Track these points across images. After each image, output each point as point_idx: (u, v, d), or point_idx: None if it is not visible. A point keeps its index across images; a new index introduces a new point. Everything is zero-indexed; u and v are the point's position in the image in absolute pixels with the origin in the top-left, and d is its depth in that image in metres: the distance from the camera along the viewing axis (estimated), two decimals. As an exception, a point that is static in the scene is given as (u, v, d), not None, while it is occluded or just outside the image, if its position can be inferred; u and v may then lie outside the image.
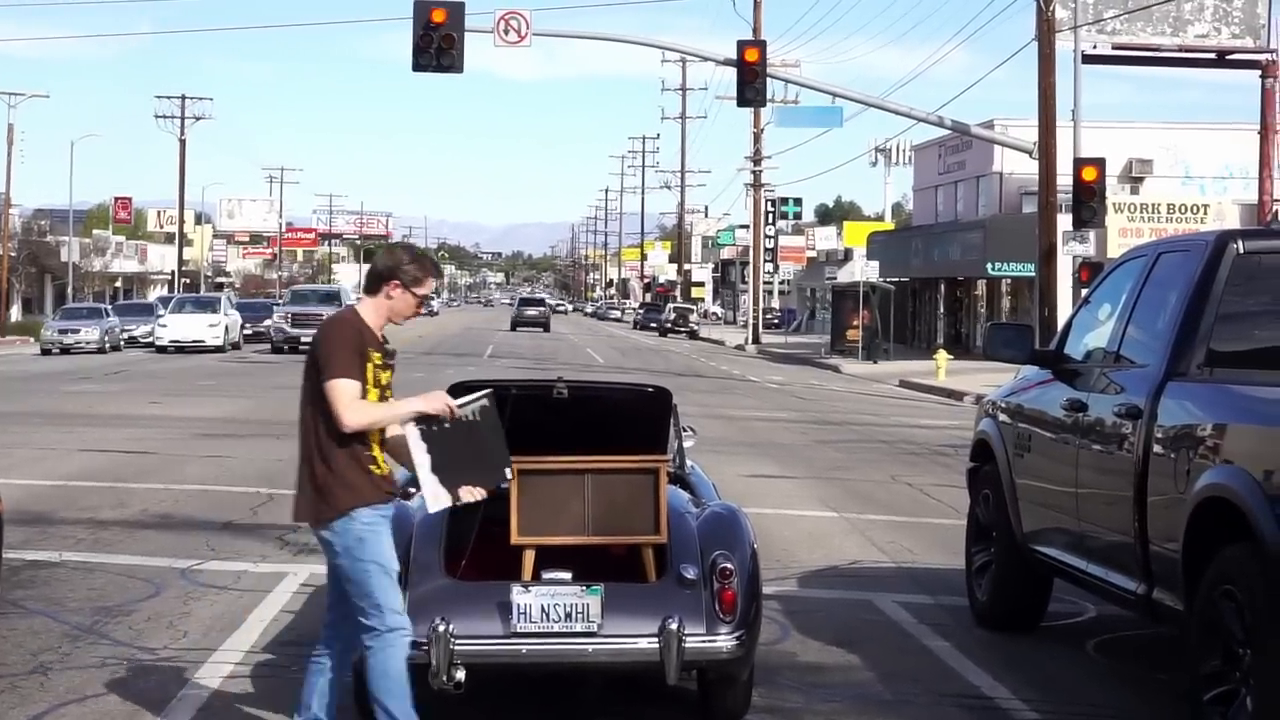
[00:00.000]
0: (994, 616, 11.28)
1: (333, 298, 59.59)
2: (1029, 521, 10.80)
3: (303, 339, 54.41)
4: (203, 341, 58.52)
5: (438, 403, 7.40)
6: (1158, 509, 8.63)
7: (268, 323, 61.58)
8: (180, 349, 57.99)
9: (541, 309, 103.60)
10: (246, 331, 63.92)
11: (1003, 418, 11.47)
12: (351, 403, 7.29)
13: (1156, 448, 8.69)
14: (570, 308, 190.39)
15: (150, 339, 60.96)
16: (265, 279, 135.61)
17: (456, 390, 8.95)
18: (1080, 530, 9.90)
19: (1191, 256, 9.29)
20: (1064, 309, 34.93)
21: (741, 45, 35.80)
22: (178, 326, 59.43)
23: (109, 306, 68.22)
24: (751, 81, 34.89)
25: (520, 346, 66.36)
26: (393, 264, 7.52)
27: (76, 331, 57.84)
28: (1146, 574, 8.84)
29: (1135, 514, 8.86)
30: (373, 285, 7.54)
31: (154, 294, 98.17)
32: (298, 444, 7.56)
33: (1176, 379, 8.79)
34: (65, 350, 56.45)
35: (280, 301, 67.31)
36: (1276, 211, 39.03)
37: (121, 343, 60.87)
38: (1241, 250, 9.05)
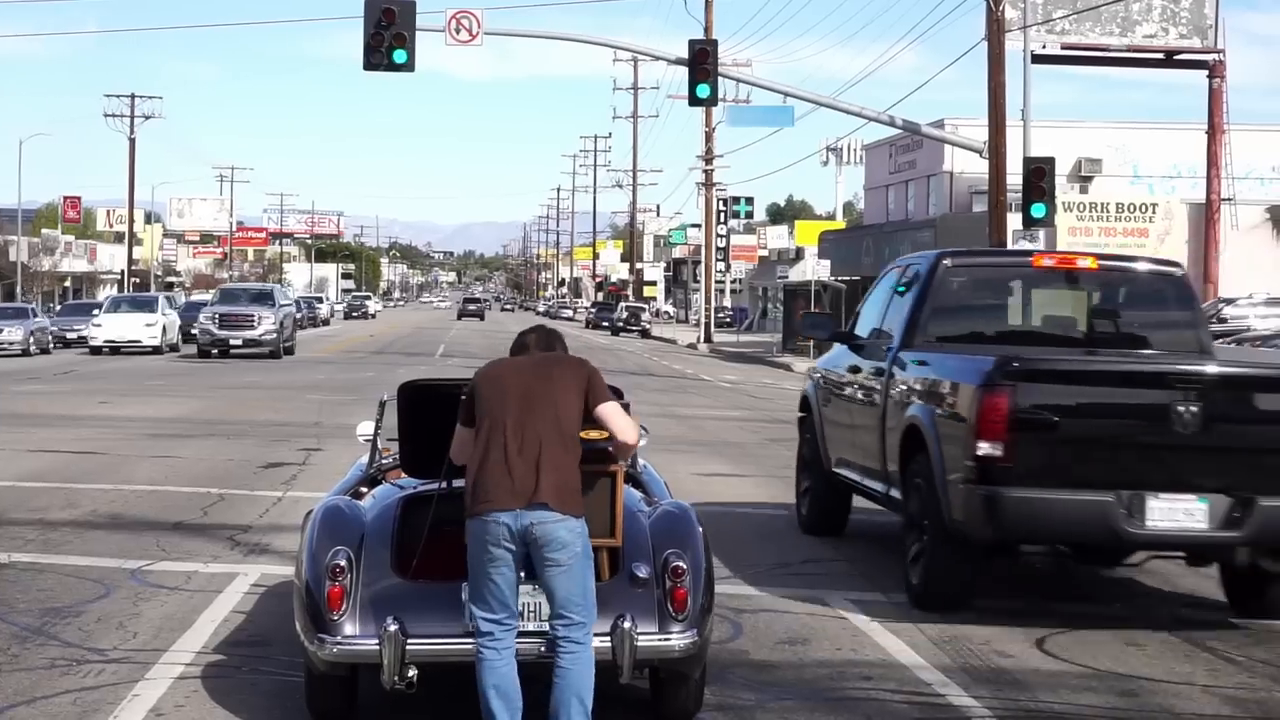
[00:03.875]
0: (811, 524, 15.39)
1: (265, 298, 55.70)
2: (832, 453, 14.83)
3: (232, 341, 51.99)
4: (139, 342, 55.79)
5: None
6: (891, 436, 12.82)
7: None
8: (115, 350, 55.44)
9: (479, 304, 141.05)
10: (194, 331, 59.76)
11: (817, 379, 15.80)
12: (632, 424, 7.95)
13: (891, 394, 12.99)
14: (515, 306, 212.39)
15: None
16: (216, 279, 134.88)
17: (406, 390, 8.95)
18: (858, 456, 13.99)
19: (922, 267, 13.55)
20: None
21: (693, 45, 35.83)
22: (113, 326, 56.26)
23: (36, 306, 64.38)
24: (703, 81, 34.92)
25: (472, 345, 66.21)
26: None
27: None
28: (887, 480, 13.03)
29: (880, 440, 13.13)
30: None
31: (103, 294, 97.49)
32: (525, 439, 7.56)
33: (904, 349, 13.01)
34: None
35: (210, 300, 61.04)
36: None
37: (51, 344, 57.87)
38: (950, 265, 13.41)
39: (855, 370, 14.23)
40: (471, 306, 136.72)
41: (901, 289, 13.81)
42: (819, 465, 15.08)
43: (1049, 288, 13.87)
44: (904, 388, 12.70)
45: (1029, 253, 14.95)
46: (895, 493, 12.75)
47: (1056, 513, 10.97)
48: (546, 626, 7.76)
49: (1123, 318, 13.69)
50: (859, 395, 14.03)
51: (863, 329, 14.62)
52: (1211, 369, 11.44)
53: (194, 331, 54.69)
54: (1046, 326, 13.66)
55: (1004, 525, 11.08)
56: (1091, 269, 13.67)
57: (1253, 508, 10.85)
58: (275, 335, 52.26)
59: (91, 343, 56.27)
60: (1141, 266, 14.49)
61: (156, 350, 55.67)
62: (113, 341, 55.67)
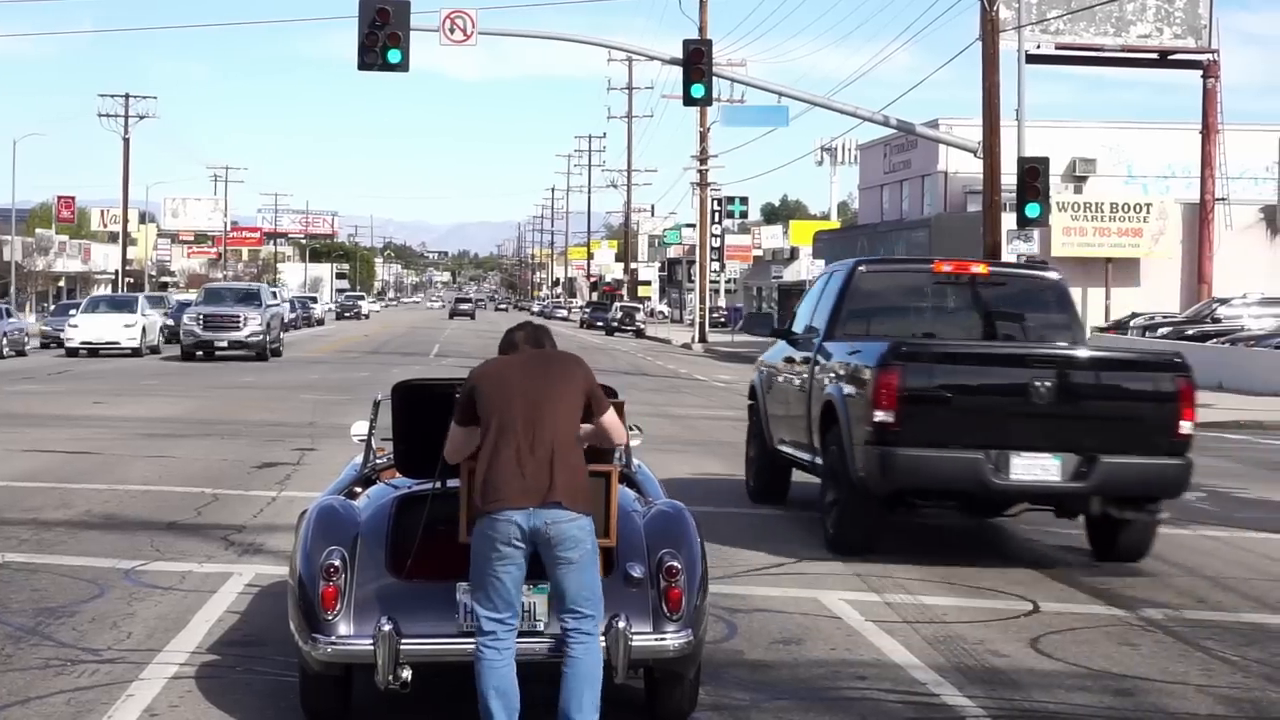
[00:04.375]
0: (757, 493, 17.93)
1: (251, 297, 53.60)
2: (774, 433, 17.28)
3: (217, 343, 50.13)
4: (117, 343, 53.36)
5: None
6: (814, 411, 15.30)
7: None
8: (93, 352, 53.07)
9: (470, 304, 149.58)
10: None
11: (762, 368, 18.39)
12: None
13: (815, 379, 15.52)
14: (509, 306, 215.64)
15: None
16: (211, 279, 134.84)
17: (400, 390, 8.94)
18: (793, 433, 16.43)
19: (843, 273, 16.23)
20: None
21: (688, 44, 35.83)
22: (89, 327, 53.61)
23: (10, 306, 60.76)
24: (698, 80, 34.92)
25: (467, 345, 66.20)
26: None
27: None
28: (812, 451, 15.46)
29: (807, 417, 15.58)
30: None
31: (97, 294, 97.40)
32: (536, 438, 7.59)
33: (827, 341, 15.61)
34: None
35: (194, 300, 58.79)
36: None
37: (26, 346, 55.18)
38: (864, 271, 16.19)
39: (790, 361, 16.95)
40: (463, 306, 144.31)
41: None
42: (764, 444, 17.65)
43: (948, 290, 16.28)
44: (824, 372, 15.25)
45: (931, 260, 16.90)
46: (818, 460, 15.22)
47: (937, 468, 13.39)
48: (541, 625, 7.76)
49: (1008, 315, 16.09)
50: (793, 381, 16.61)
51: (798, 326, 17.21)
52: (1060, 353, 14.03)
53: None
54: (944, 321, 16.04)
55: (895, 479, 13.53)
56: (983, 275, 16.33)
57: (1096, 463, 13.29)
58: (262, 337, 50.62)
59: (67, 344, 53.87)
60: (1024, 273, 17.54)
61: (136, 353, 53.49)
62: (90, 343, 53.35)
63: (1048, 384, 13.31)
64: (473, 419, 7.79)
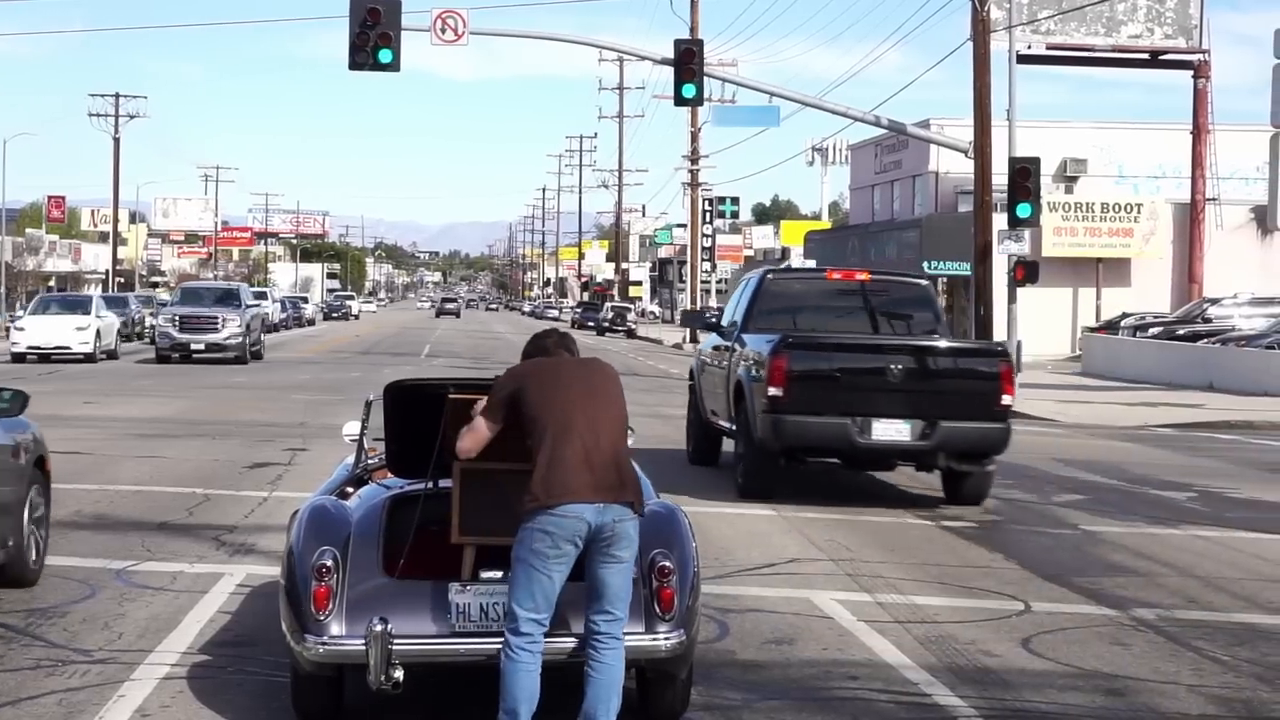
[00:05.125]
0: (694, 456, 21.47)
1: (230, 297, 50.83)
2: (705, 405, 20.84)
3: (193, 345, 47.37)
4: (68, 348, 47.51)
5: None
6: (731, 387, 18.88)
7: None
8: (44, 358, 46.93)
9: (455, 304, 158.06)
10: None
11: (699, 355, 22.48)
12: None
13: (732, 362, 19.06)
14: (500, 306, 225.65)
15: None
16: (201, 279, 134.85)
17: (392, 390, 8.93)
18: (718, 406, 19.90)
19: (756, 278, 20.39)
20: (999, 307, 35.13)
21: (679, 45, 35.82)
22: (37, 331, 48.06)
23: None
24: (689, 81, 34.91)
25: (457, 345, 66.22)
26: None
27: None
28: (730, 419, 19.01)
29: (726, 393, 19.18)
30: None
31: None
32: (601, 437, 7.68)
33: (742, 333, 19.10)
34: None
35: (170, 300, 54.68)
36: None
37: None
38: (772, 277, 20.47)
39: (718, 349, 20.48)
40: (449, 305, 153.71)
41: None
42: (699, 416, 21.35)
43: (839, 293, 20.14)
44: (738, 358, 18.85)
45: (824, 269, 21.38)
46: (733, 426, 18.90)
47: (815, 431, 17.32)
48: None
49: (885, 312, 19.71)
50: (718, 365, 20.15)
51: (725, 320, 20.83)
52: (909, 342, 18.05)
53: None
54: (836, 318, 19.61)
55: (784, 439, 17.42)
56: (865, 280, 20.34)
57: (937, 427, 17.13)
58: (241, 339, 48.07)
59: (13, 349, 47.98)
60: (898, 279, 21.35)
61: (89, 358, 47.72)
62: (38, 348, 47.36)
63: (899, 366, 17.26)
64: (505, 419, 7.81)
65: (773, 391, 17.13)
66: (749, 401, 17.83)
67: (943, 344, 18.26)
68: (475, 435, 7.94)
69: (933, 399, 17.19)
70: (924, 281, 20.78)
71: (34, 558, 11.92)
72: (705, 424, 21.06)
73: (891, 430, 17.16)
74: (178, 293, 54.37)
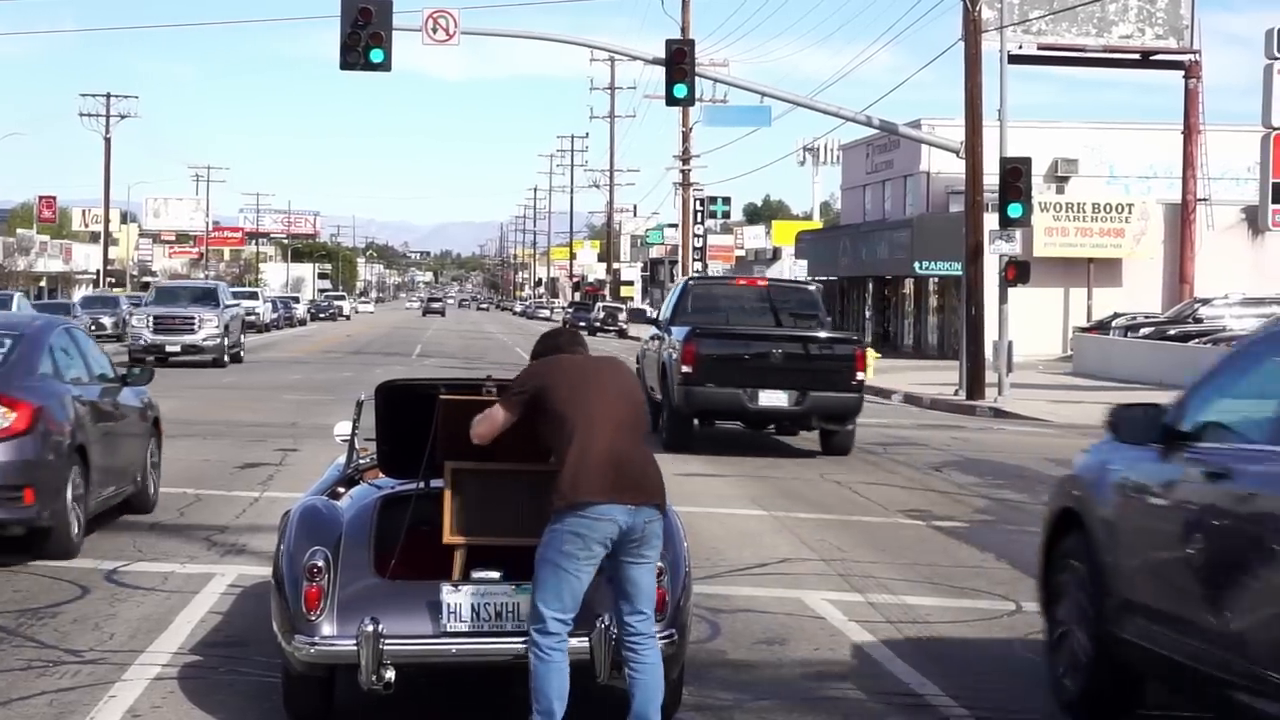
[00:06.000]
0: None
1: (208, 297, 48.11)
2: (646, 382, 24.59)
3: (168, 347, 44.63)
4: None
5: None
6: (660, 367, 24.18)
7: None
8: None
9: (440, 303, 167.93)
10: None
11: (643, 343, 27.73)
12: None
13: (662, 348, 24.29)
14: (490, 306, 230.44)
15: None
16: (192, 279, 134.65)
17: (384, 390, 8.92)
18: (654, 382, 24.49)
19: (683, 284, 27.32)
20: (991, 307, 35.13)
21: (670, 44, 35.79)
22: None
23: None
24: (680, 80, 34.88)
25: (449, 346, 66.18)
26: None
27: None
28: (662, 391, 23.81)
29: (659, 374, 24.07)
30: None
31: (79, 294, 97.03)
32: (632, 437, 7.82)
33: (670, 325, 24.29)
34: None
35: (143, 300, 52.69)
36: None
37: None
38: (693, 282, 28.11)
39: (654, 339, 25.87)
40: (435, 305, 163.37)
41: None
42: (658, 397, 24.47)
43: (745, 295, 26.00)
44: (666, 345, 23.98)
45: (733, 276, 30.47)
46: (661, 397, 23.77)
47: (717, 399, 22.80)
48: (525, 625, 7.70)
49: (782, 310, 25.06)
50: (652, 351, 25.63)
51: (662, 316, 26.07)
52: (788, 333, 23.59)
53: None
54: (744, 315, 24.90)
55: (694, 406, 23.04)
56: (764, 285, 26.97)
57: (808, 396, 22.50)
58: (219, 340, 45.85)
59: None
60: (790, 284, 29.17)
61: None
62: None
63: (780, 350, 22.85)
64: (524, 413, 7.80)
65: (685, 369, 22.59)
66: (670, 377, 23.25)
67: (812, 334, 23.71)
68: (491, 423, 7.91)
69: (805, 375, 22.58)
70: (812, 287, 28.46)
71: (152, 491, 15.90)
72: (665, 405, 25.27)
73: (774, 398, 22.57)
74: (153, 292, 52.38)
